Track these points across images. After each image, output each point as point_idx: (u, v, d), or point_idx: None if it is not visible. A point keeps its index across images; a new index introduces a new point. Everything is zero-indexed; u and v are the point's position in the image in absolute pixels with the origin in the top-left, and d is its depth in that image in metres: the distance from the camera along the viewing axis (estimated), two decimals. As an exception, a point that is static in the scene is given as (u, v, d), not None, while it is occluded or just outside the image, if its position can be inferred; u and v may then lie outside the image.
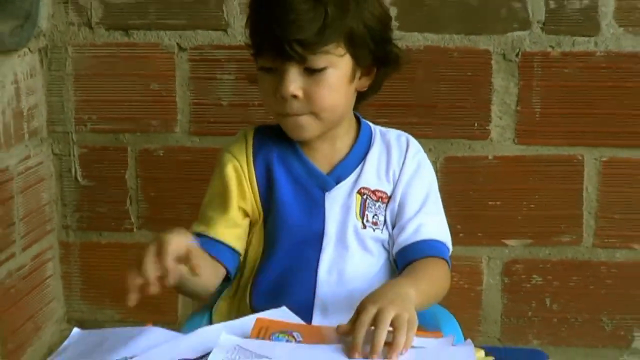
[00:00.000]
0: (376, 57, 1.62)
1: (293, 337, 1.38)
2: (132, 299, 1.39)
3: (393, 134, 1.71)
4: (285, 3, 1.52)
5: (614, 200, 2.78)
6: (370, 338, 1.29)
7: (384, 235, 1.66)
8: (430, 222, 1.64)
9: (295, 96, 1.54)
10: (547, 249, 2.82)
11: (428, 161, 1.71)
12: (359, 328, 1.30)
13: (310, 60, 1.52)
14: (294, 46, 1.50)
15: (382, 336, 1.28)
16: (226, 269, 1.64)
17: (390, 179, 1.66)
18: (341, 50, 1.55)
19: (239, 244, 1.66)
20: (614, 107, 2.72)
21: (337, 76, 1.57)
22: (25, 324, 2.75)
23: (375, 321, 1.30)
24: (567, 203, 2.79)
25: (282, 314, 1.47)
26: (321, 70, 1.54)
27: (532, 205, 2.79)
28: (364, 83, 1.65)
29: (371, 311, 1.31)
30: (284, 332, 1.38)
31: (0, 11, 2.67)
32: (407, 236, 1.62)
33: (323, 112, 1.57)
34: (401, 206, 1.65)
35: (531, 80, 2.73)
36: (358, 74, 1.61)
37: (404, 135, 1.71)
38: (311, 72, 1.54)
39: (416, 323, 1.34)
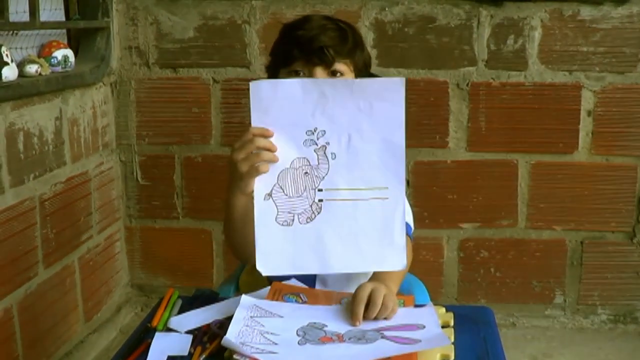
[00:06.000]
0: None
1: (300, 297, 1.34)
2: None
3: None
4: (322, 26, 1.49)
5: (541, 193, 2.74)
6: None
7: None
8: None
9: None
10: (492, 230, 2.78)
11: None
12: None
13: (334, 65, 1.47)
14: (329, 50, 1.45)
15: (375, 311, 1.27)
16: None
17: None
18: (351, 67, 1.50)
19: None
20: (540, 123, 2.69)
21: None
22: (100, 287, 2.72)
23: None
24: (506, 196, 2.75)
25: (292, 282, 1.43)
26: (339, 74, 1.48)
27: (480, 198, 2.76)
28: None
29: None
30: (294, 293, 1.35)
31: (83, 56, 2.67)
32: None
33: None
34: None
35: (478, 103, 2.69)
36: None
37: None
38: (331, 76, 1.47)
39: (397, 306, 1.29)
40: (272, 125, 1.28)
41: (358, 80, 1.37)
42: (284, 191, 1.30)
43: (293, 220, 1.30)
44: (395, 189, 1.29)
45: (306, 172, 1.30)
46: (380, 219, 1.30)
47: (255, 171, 1.28)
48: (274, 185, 1.29)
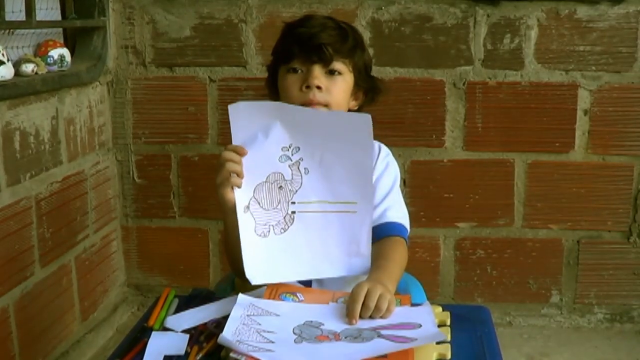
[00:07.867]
0: (365, 83, 1.59)
1: (297, 296, 1.35)
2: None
3: None
4: (323, 24, 1.52)
5: (537, 192, 2.74)
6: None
7: None
8: (394, 208, 1.57)
9: (319, 87, 1.49)
10: (488, 229, 2.79)
11: (395, 162, 1.65)
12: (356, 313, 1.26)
13: (333, 63, 1.50)
14: (328, 48, 1.48)
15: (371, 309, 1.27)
16: None
17: None
18: (350, 67, 1.53)
19: None
20: (536, 123, 2.69)
21: (346, 83, 1.53)
22: (96, 287, 2.72)
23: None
24: (502, 195, 2.75)
25: (289, 282, 1.44)
26: (337, 73, 1.51)
27: (476, 197, 2.76)
28: (354, 104, 1.62)
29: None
30: (290, 292, 1.36)
31: (79, 55, 2.67)
32: (376, 217, 1.53)
33: (334, 105, 1.51)
34: None
35: (474, 103, 2.69)
36: (353, 94, 1.58)
37: (378, 144, 1.66)
38: (329, 75, 1.50)
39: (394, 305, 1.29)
40: (250, 143, 1.36)
41: (329, 112, 1.48)
42: (259, 204, 1.38)
43: (269, 231, 1.39)
44: (363, 204, 1.40)
45: (280, 186, 1.39)
46: (348, 231, 1.40)
47: (227, 183, 1.36)
48: (251, 199, 1.37)
